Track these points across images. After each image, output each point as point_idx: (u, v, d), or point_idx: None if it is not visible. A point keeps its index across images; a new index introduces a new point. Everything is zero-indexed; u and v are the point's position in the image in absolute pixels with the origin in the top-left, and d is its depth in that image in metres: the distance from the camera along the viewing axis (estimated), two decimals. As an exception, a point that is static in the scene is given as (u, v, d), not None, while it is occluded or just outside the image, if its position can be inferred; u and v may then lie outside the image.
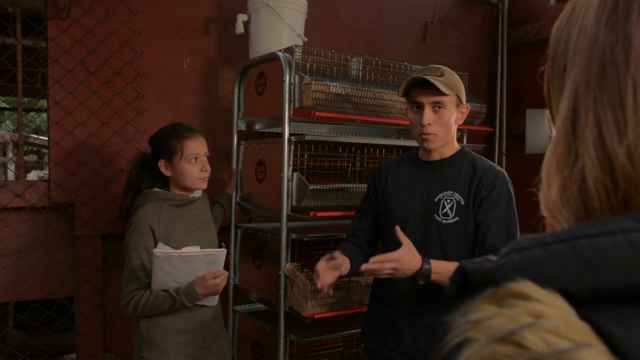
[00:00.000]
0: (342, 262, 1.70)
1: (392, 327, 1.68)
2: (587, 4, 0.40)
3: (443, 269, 1.52)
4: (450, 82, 1.61)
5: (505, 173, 1.67)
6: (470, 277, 0.37)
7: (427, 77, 1.58)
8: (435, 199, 1.65)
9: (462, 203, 1.61)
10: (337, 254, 1.69)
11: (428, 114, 1.61)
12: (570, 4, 0.42)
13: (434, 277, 1.51)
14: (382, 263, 1.50)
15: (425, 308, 1.62)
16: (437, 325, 1.60)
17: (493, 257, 0.36)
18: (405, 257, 1.50)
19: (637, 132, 0.35)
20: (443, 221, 1.62)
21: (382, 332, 1.71)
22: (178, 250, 1.82)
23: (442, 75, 1.60)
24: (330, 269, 1.66)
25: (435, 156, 1.69)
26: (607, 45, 0.37)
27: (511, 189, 1.64)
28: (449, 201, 1.63)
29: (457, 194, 1.62)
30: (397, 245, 1.64)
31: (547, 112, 0.45)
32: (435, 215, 1.63)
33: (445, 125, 1.63)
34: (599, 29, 0.38)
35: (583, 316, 0.30)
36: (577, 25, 0.40)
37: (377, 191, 1.81)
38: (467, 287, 0.37)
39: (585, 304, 0.31)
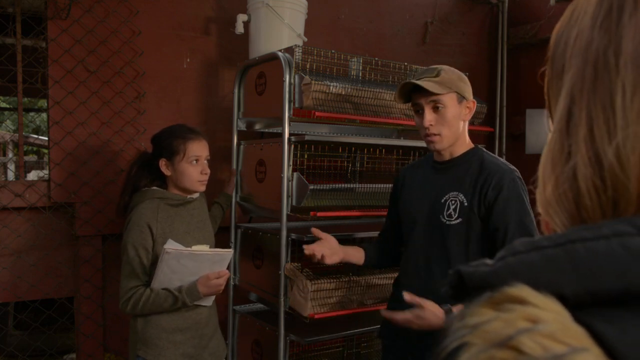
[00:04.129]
0: (348, 252, 1.86)
1: (403, 326, 1.69)
2: (585, 7, 0.41)
3: None
4: (447, 80, 1.59)
5: (516, 171, 1.60)
6: (467, 281, 0.37)
7: (417, 81, 1.58)
8: (442, 200, 1.64)
9: (466, 204, 1.59)
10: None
11: (428, 116, 1.61)
12: (571, 6, 0.43)
13: None
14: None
15: None
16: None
17: (489, 261, 0.37)
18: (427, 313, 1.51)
19: (626, 132, 0.35)
20: (447, 222, 1.61)
21: (395, 330, 1.73)
22: (188, 248, 1.82)
23: (437, 75, 1.59)
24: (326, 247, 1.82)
25: (446, 156, 1.68)
26: (600, 48, 0.38)
27: (521, 186, 1.57)
28: (453, 202, 1.61)
29: (461, 195, 1.60)
30: (409, 247, 1.75)
31: (547, 111, 0.46)
32: (440, 216, 1.62)
33: (449, 124, 1.61)
34: (594, 32, 0.38)
35: (578, 320, 0.30)
36: (576, 27, 0.41)
37: (396, 195, 1.86)
38: (464, 290, 0.37)
39: (580, 307, 0.32)
